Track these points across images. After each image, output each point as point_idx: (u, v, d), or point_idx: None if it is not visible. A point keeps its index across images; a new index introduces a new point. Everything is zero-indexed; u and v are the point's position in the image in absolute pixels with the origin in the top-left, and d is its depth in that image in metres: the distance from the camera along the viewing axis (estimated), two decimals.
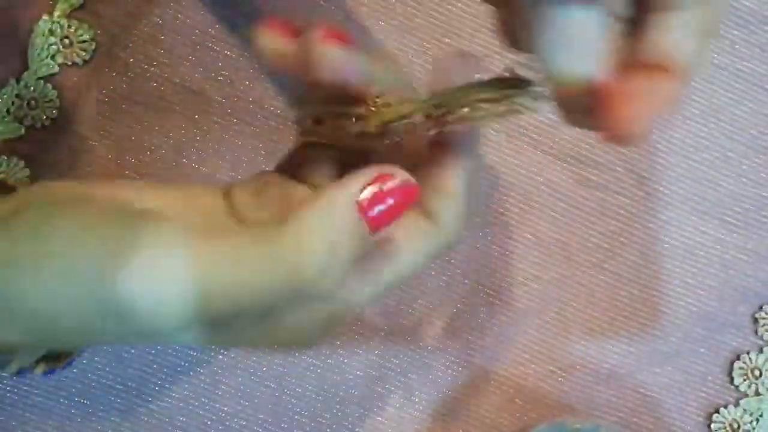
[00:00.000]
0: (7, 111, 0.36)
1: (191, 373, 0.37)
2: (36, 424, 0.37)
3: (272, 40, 0.24)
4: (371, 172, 0.22)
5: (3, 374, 0.37)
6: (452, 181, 0.25)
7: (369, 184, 0.22)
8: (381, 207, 0.22)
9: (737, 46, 0.39)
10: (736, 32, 0.39)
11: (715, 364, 0.39)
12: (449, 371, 0.38)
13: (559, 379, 0.39)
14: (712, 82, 0.39)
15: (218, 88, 0.37)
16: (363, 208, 0.22)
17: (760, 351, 0.39)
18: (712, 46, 0.39)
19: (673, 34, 0.21)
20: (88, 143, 0.37)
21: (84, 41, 0.37)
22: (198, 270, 0.21)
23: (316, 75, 0.23)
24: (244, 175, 0.37)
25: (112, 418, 0.37)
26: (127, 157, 0.37)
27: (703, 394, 0.39)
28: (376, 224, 0.22)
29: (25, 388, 0.37)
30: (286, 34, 0.24)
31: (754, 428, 0.39)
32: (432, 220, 0.25)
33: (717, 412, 0.39)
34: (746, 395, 0.39)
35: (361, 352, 0.38)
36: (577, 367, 0.39)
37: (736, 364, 0.39)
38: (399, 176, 0.23)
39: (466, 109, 0.23)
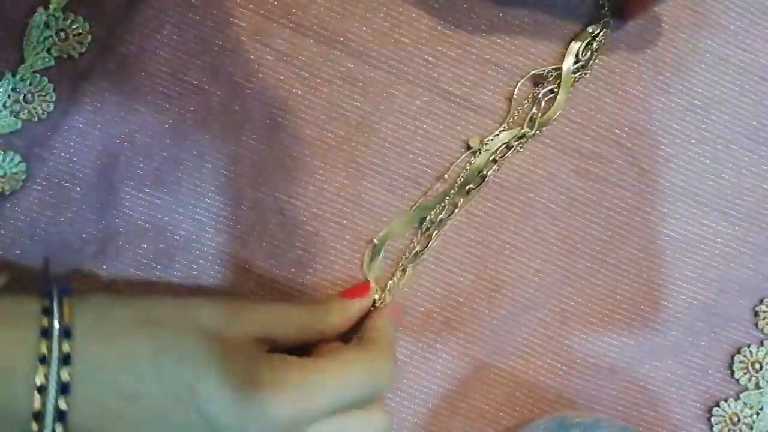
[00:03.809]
0: (3, 105, 0.36)
1: None
2: None
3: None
4: None
5: None
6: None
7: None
8: None
9: (739, 37, 0.39)
10: (738, 23, 0.39)
11: (715, 358, 0.39)
12: (449, 365, 0.38)
13: (560, 372, 0.39)
14: (714, 74, 0.39)
15: (217, 82, 0.37)
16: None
17: (761, 344, 0.39)
18: (714, 37, 0.39)
19: None
20: (86, 137, 0.36)
21: (80, 34, 0.36)
22: None
23: None
24: (245, 171, 0.37)
25: None
26: (126, 152, 0.37)
27: (704, 388, 0.39)
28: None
29: None
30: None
31: (754, 422, 0.39)
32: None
33: (717, 405, 0.39)
34: (746, 389, 0.39)
35: None
36: (578, 360, 0.39)
37: (737, 358, 0.39)
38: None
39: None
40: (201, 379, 0.29)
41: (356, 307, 0.36)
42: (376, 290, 0.37)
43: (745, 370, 0.39)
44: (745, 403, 0.39)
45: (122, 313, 0.31)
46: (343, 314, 0.35)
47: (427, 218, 0.38)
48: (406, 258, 0.38)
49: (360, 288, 0.37)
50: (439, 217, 0.38)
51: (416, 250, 0.38)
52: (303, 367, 0.31)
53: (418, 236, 0.38)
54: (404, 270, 0.38)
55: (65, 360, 0.28)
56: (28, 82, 0.36)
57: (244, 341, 0.31)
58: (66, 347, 0.29)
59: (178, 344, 0.30)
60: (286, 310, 0.34)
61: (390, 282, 0.38)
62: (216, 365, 0.30)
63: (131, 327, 0.30)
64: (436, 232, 0.38)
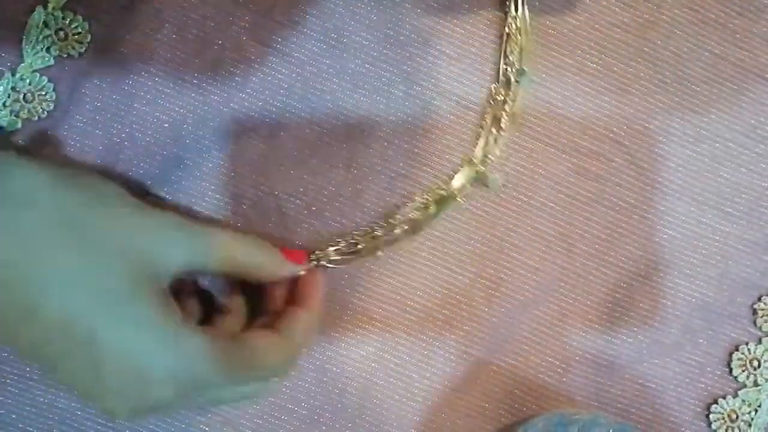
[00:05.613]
0: (3, 104, 0.36)
1: None
2: (36, 418, 0.37)
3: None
4: None
5: (3, 367, 0.37)
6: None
7: None
8: None
9: (737, 36, 0.39)
10: (736, 21, 0.39)
11: (713, 355, 0.39)
12: (449, 363, 0.38)
13: (559, 370, 0.39)
14: (712, 72, 0.39)
15: (217, 82, 0.37)
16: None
17: (759, 342, 0.39)
18: (712, 36, 0.39)
19: None
20: (86, 137, 0.37)
21: (79, 33, 0.36)
22: None
23: None
24: (245, 170, 0.37)
25: None
26: (126, 152, 0.37)
27: (702, 385, 0.39)
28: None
29: (30, 382, 0.37)
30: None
31: (752, 419, 0.39)
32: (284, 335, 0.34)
33: (715, 402, 0.39)
34: (745, 386, 0.39)
35: (360, 344, 0.38)
36: (576, 358, 0.39)
37: (735, 355, 0.39)
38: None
39: None
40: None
41: (288, 271, 0.36)
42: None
43: (744, 368, 0.39)
44: (743, 401, 0.39)
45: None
46: (272, 272, 0.35)
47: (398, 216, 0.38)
48: (361, 241, 0.38)
49: (295, 255, 0.36)
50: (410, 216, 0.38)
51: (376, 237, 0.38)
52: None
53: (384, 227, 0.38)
54: (350, 252, 0.38)
55: None
56: (28, 81, 0.36)
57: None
58: None
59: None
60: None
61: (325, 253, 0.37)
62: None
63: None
64: (402, 229, 0.38)
